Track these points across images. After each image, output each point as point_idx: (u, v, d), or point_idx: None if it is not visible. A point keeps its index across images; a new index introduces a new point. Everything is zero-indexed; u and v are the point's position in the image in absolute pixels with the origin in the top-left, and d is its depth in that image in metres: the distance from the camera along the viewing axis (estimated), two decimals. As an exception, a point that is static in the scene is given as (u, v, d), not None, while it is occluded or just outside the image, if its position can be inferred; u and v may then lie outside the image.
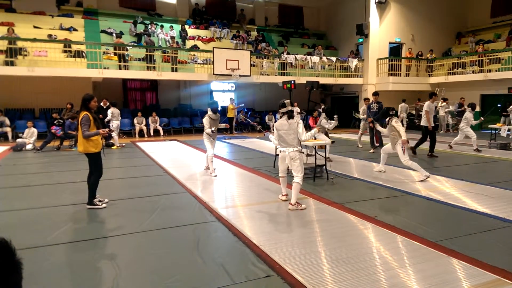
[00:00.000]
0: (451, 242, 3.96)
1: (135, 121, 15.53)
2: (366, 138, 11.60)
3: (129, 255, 3.75)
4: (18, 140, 11.64)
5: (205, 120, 7.43)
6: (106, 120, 12.01)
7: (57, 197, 5.98)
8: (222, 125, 8.08)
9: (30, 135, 11.74)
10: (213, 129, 7.38)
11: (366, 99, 11.83)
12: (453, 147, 11.15)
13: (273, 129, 5.84)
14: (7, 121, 13.57)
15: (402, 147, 7.03)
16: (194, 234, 4.26)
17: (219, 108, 18.47)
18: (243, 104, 17.85)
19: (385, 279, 3.16)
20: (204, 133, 7.57)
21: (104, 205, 5.43)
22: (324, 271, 3.30)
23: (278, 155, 6.08)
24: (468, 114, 10.72)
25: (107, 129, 5.51)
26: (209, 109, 7.50)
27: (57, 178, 7.39)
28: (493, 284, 3.06)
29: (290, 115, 5.20)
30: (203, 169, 8.01)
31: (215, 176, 7.44)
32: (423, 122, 9.84)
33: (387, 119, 7.39)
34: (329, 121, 9.02)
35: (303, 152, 5.39)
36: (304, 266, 3.38)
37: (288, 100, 5.32)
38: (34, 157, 10.36)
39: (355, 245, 3.90)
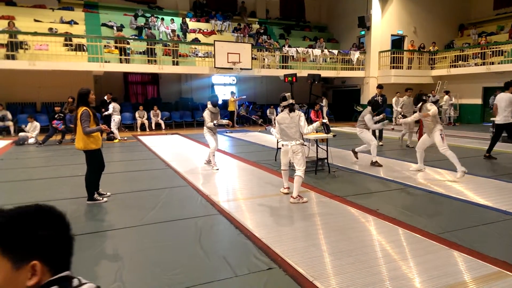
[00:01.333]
0: (452, 235, 3.97)
1: (137, 115, 15.53)
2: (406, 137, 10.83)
3: (132, 248, 3.77)
4: (20, 134, 11.67)
5: (206, 114, 7.42)
6: (106, 113, 12.05)
7: (59, 191, 6.00)
8: (224, 121, 8.06)
9: (32, 129, 11.76)
10: (215, 122, 7.38)
11: (409, 89, 10.61)
12: None
13: (274, 123, 5.84)
14: (9, 115, 13.59)
15: (440, 134, 6.55)
16: (196, 227, 4.28)
17: (220, 102, 18.50)
18: (245, 96, 17.81)
19: (386, 271, 3.17)
20: (204, 127, 7.58)
21: (105, 199, 5.42)
22: (326, 264, 3.32)
23: (280, 148, 6.05)
24: None
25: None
26: (209, 103, 7.50)
27: (59, 172, 7.41)
28: (494, 276, 3.07)
29: (291, 108, 5.21)
30: (204, 163, 8.02)
31: (217, 169, 7.45)
32: (501, 120, 8.15)
33: (419, 105, 6.80)
34: (374, 118, 7.71)
35: (305, 145, 5.37)
36: (306, 259, 3.39)
37: (289, 94, 5.34)
38: (36, 151, 10.38)
39: (356, 238, 3.92)
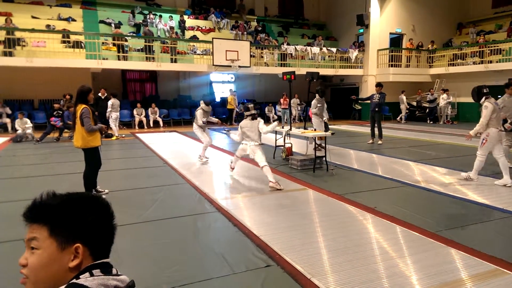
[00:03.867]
0: (450, 232, 3.98)
1: (135, 112, 15.50)
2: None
3: (129, 246, 3.76)
4: (18, 131, 11.62)
5: (198, 113, 7.81)
6: (108, 111, 12.02)
7: (57, 188, 5.89)
8: (214, 120, 8.38)
9: (23, 124, 11.71)
10: (204, 120, 7.72)
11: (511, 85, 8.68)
12: None
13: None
14: (8, 111, 13.52)
15: (483, 139, 6.09)
16: (194, 225, 4.28)
17: (218, 100, 18.52)
18: (239, 107, 17.96)
19: (384, 268, 3.18)
20: (194, 125, 7.91)
21: (103, 196, 5.40)
22: (324, 261, 3.32)
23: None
24: None
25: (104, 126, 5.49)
26: (202, 102, 7.85)
27: (57, 170, 7.39)
28: (492, 274, 3.08)
29: (254, 117, 6.27)
30: (198, 159, 8.03)
31: (206, 160, 7.81)
32: None
33: (483, 100, 6.05)
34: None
35: (262, 144, 6.29)
36: (304, 256, 3.40)
37: (252, 105, 6.46)
38: (33, 148, 10.34)
39: (354, 236, 3.92)
